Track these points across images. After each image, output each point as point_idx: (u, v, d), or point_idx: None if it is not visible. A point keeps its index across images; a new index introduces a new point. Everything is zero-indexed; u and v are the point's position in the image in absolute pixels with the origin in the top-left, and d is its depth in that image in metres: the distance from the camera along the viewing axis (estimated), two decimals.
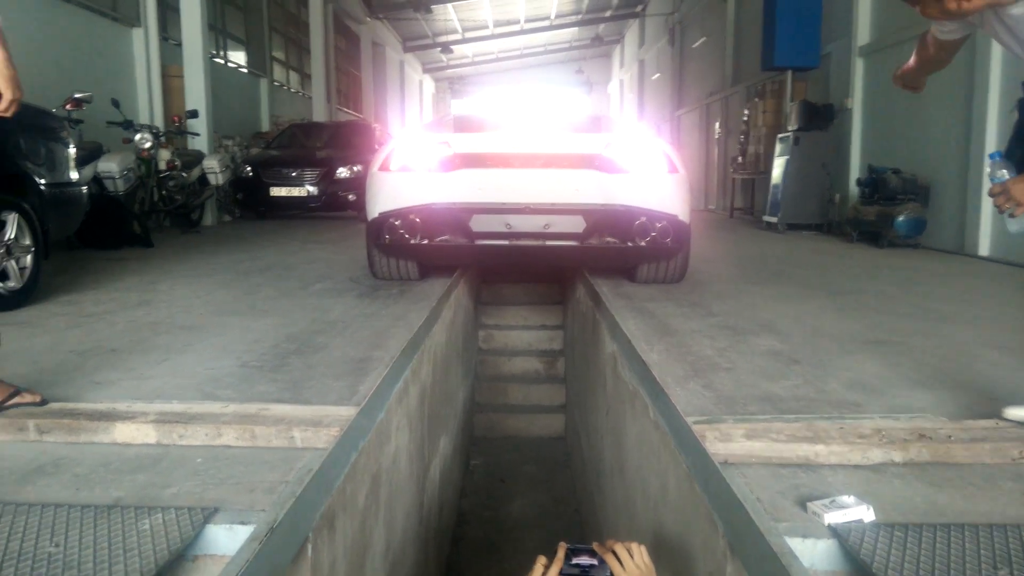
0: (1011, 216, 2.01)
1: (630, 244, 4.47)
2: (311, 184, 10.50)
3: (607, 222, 4.45)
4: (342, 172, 10.65)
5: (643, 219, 4.41)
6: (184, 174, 8.54)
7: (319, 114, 16.52)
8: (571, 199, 4.43)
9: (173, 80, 10.54)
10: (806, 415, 2.22)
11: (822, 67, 10.92)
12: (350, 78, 20.62)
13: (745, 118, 13.18)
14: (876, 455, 1.92)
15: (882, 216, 8.28)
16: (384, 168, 4.67)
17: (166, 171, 8.27)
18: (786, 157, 10.34)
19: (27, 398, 2.15)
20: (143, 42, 10.25)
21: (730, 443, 1.91)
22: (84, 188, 4.77)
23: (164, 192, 8.29)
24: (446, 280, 5.11)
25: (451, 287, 4.80)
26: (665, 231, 4.44)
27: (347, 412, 2.17)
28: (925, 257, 7.44)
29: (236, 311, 4.09)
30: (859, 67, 10.03)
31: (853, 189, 10.08)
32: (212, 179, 9.34)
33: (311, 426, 2.01)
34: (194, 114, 9.16)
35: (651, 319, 3.99)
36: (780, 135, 10.79)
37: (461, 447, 5.59)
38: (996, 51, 7.18)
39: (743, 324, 3.86)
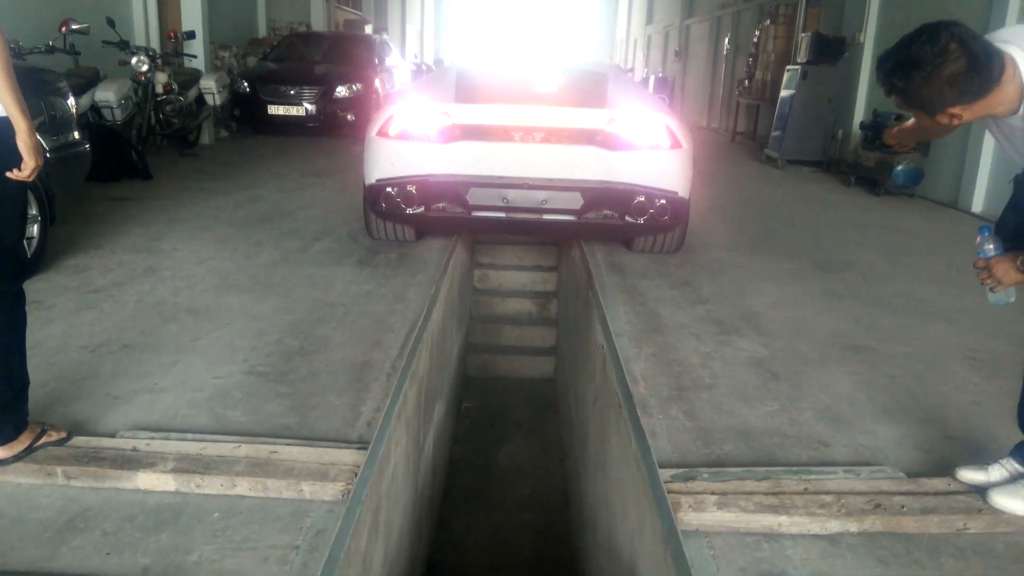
0: (991, 291, 2.12)
1: (628, 220, 4.55)
2: (309, 103, 10.34)
3: (605, 199, 4.52)
4: (341, 91, 10.47)
5: (642, 197, 4.47)
6: (181, 97, 8.42)
7: (317, 16, 16.03)
8: (570, 175, 4.48)
9: None
10: (775, 469, 2.40)
11: None
12: None
13: (756, 40, 12.85)
14: (834, 526, 2.11)
15: (881, 164, 8.29)
16: (382, 134, 4.63)
17: (163, 95, 8.16)
18: (792, 91, 10.20)
19: (53, 436, 2.31)
20: None
21: (702, 513, 2.09)
22: (86, 146, 4.77)
23: (161, 116, 8.21)
24: (443, 244, 5.19)
25: (448, 257, 4.89)
26: (664, 209, 4.51)
27: (352, 458, 2.34)
28: (919, 211, 7.53)
29: (238, 286, 4.20)
30: (875, 0, 9.75)
31: (856, 129, 10.01)
32: (209, 99, 9.21)
33: (318, 480, 2.17)
34: (191, 35, 8.94)
35: (641, 307, 4.14)
36: (789, 66, 10.60)
37: (455, 394, 5.82)
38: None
39: (730, 317, 4.00)
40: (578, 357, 5.00)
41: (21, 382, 2.25)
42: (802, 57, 10.33)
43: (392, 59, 13.18)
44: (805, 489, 2.26)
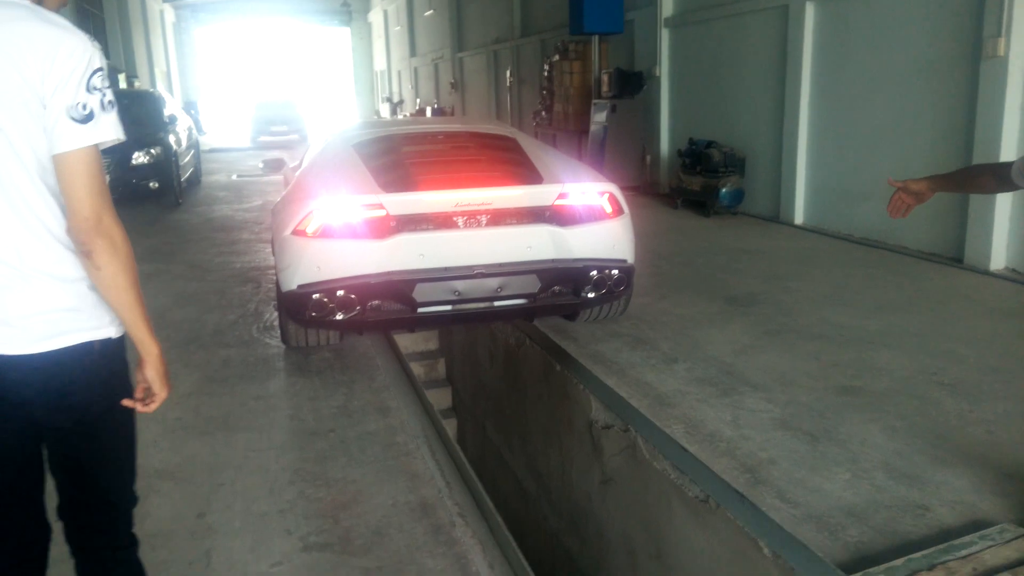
0: None
1: (584, 296, 4.40)
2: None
3: (562, 277, 4.31)
4: (139, 158, 9.37)
5: (599, 272, 4.34)
6: None
7: None
8: (524, 257, 4.21)
9: None
10: (926, 553, 2.45)
11: (626, 33, 11.33)
12: (96, 21, 17.80)
13: (546, 73, 13.39)
14: None
15: (707, 187, 8.99)
16: (299, 232, 4.03)
17: None
18: (603, 123, 10.75)
19: None
20: None
21: None
22: None
23: None
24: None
25: (386, 344, 4.51)
26: (620, 280, 4.42)
27: None
28: (752, 228, 8.24)
29: (186, 427, 3.55)
30: (665, 37, 10.56)
31: (664, 153, 10.80)
32: None
33: None
34: None
35: (622, 375, 4.09)
36: (596, 100, 11.15)
37: None
38: (808, 31, 7.91)
39: (711, 374, 4.08)
40: (527, 424, 4.84)
41: None
42: (607, 91, 10.95)
43: (169, 110, 12.02)
44: (973, 569, 2.33)
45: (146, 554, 2.58)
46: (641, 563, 3.62)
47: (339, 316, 4.02)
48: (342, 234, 4.00)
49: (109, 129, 1.59)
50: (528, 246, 4.22)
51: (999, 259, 6.06)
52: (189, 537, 2.69)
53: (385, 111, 29.87)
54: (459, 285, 4.11)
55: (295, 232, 4.03)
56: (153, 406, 1.73)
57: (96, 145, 1.57)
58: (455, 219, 4.13)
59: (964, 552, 2.43)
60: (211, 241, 8.26)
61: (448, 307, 4.18)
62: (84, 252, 1.58)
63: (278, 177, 7.46)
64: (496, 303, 4.25)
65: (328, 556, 2.57)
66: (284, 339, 4.65)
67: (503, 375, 5.41)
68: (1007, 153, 5.78)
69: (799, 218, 8.32)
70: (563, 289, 4.40)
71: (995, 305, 5.18)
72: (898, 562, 2.41)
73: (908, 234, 6.91)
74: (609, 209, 4.45)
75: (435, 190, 4.11)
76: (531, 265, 4.21)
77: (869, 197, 7.31)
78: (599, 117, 10.93)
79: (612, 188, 4.49)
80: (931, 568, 2.35)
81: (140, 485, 2.55)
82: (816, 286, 5.83)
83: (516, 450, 5.33)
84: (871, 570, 2.38)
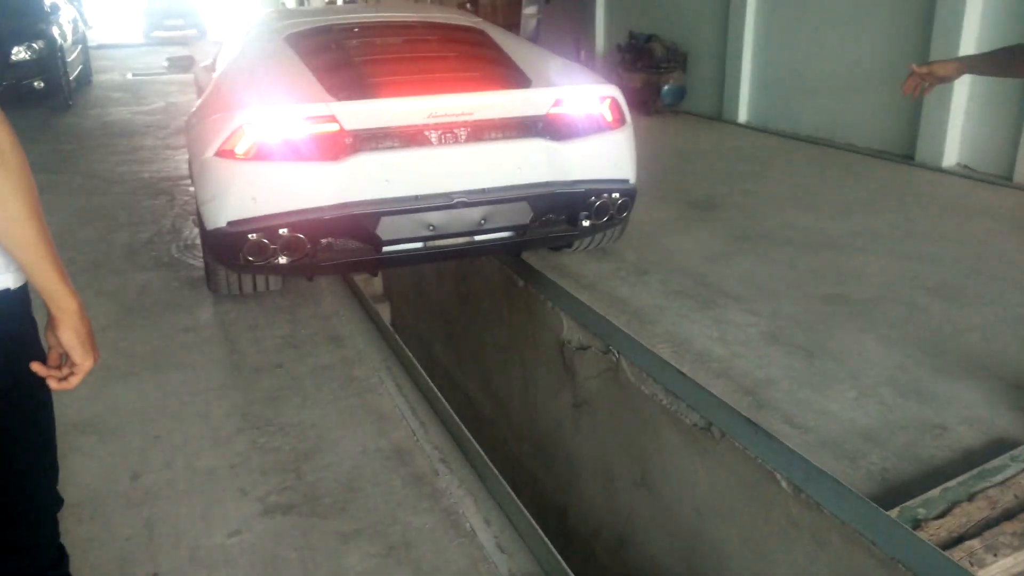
0: None
1: (583, 224, 3.65)
2: None
3: (558, 204, 3.55)
4: (19, 53, 8.27)
5: (602, 195, 3.59)
6: None
7: None
8: (514, 180, 3.42)
9: None
10: (961, 481, 2.26)
11: None
12: None
13: None
14: None
15: (648, 84, 8.59)
16: (224, 153, 3.11)
17: None
18: (536, 15, 10.13)
19: None
20: None
21: (989, 569, 1.89)
22: None
23: None
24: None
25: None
26: (623, 205, 3.70)
27: None
28: (697, 127, 7.96)
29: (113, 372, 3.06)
30: None
31: (599, 49, 10.28)
32: None
33: None
34: None
35: (592, 290, 3.78)
36: None
37: None
38: None
39: (687, 286, 3.82)
40: (482, 344, 4.52)
41: None
42: None
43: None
44: (1015, 496, 2.16)
45: (72, 529, 2.17)
46: (622, 489, 3.40)
47: (282, 260, 3.19)
48: (283, 155, 3.12)
49: None
50: (518, 167, 3.44)
51: (951, 156, 5.94)
52: (124, 505, 2.28)
53: (291, 2, 27.84)
54: (434, 217, 3.29)
55: (220, 153, 3.12)
56: (75, 380, 1.29)
57: None
58: (427, 134, 3.30)
59: (999, 477, 2.26)
60: (111, 148, 7.42)
61: (419, 244, 3.38)
62: None
63: (184, 77, 6.44)
64: (477, 237, 3.48)
65: (294, 520, 2.21)
66: (211, 286, 3.88)
67: (454, 291, 5.03)
68: (968, 44, 5.58)
69: (743, 116, 8.05)
70: (556, 217, 3.66)
71: (956, 202, 5.06)
72: (934, 493, 2.22)
73: (857, 131, 6.73)
74: (610, 118, 3.71)
75: (401, 96, 3.26)
76: (522, 190, 3.44)
77: (816, 92, 7.07)
78: (530, 10, 10.30)
79: (614, 92, 3.73)
80: (971, 498, 2.17)
81: (58, 442, 2.11)
82: (773, 187, 5.61)
83: (469, 372, 5.01)
84: (908, 504, 2.18)
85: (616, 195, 3.64)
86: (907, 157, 6.20)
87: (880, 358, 3.08)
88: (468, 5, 12.88)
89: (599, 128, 3.65)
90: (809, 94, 7.18)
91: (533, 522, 2.30)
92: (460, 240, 3.44)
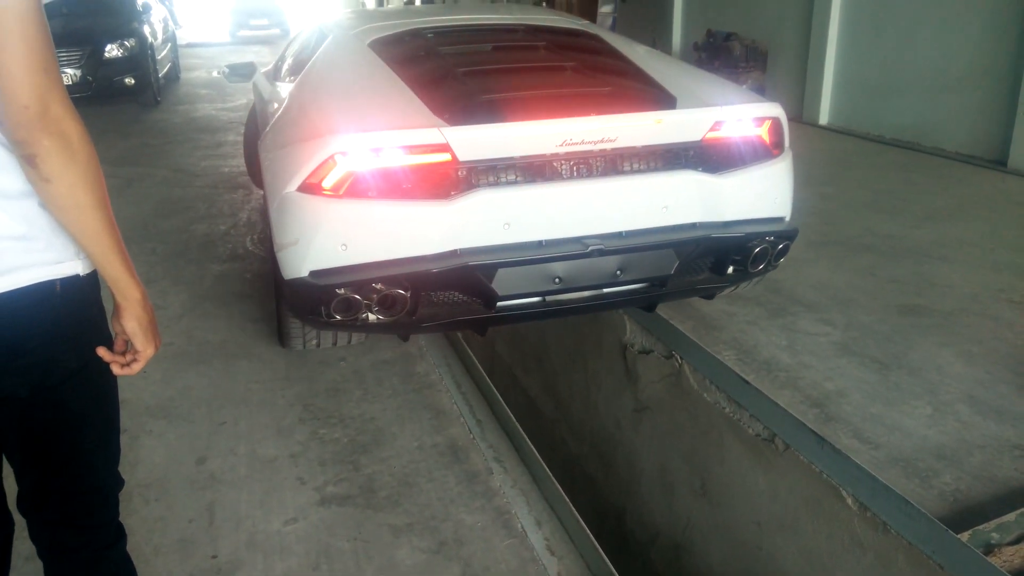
0: None
1: (735, 271, 3.03)
2: (73, 68, 8.44)
3: (709, 251, 2.95)
4: (112, 50, 8.66)
5: (763, 240, 2.95)
6: None
7: None
8: (658, 220, 2.82)
9: None
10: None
11: None
12: None
13: None
14: None
15: None
16: (312, 188, 2.52)
17: None
18: (612, 13, 10.04)
19: None
20: None
21: None
22: None
23: None
24: None
25: None
26: (783, 250, 3.05)
27: None
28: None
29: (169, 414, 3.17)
30: None
31: (676, 46, 10.11)
32: None
33: None
34: None
35: None
36: None
37: None
38: None
39: (756, 292, 3.71)
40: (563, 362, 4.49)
41: None
42: None
43: None
44: None
45: (139, 508, 2.25)
46: (681, 497, 3.34)
47: (374, 317, 2.61)
48: (382, 192, 2.53)
49: None
50: (664, 205, 2.82)
51: None
52: (188, 488, 2.35)
53: (371, 1, 28.35)
54: (561, 268, 2.70)
55: (304, 188, 2.52)
56: (137, 366, 1.32)
57: None
58: (557, 165, 2.71)
59: None
60: (195, 143, 7.69)
61: (538, 299, 2.82)
62: (26, 157, 1.12)
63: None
64: (607, 290, 2.90)
65: (350, 511, 2.24)
66: (283, 341, 3.29)
67: None
68: None
69: (824, 117, 7.80)
70: (700, 264, 3.06)
71: None
72: (1009, 517, 2.10)
73: (946, 134, 6.44)
74: (776, 142, 3.09)
75: (529, 120, 2.63)
76: (668, 234, 2.84)
77: (904, 93, 6.79)
78: (607, 7, 10.21)
79: (778, 111, 3.09)
80: None
81: (128, 424, 2.18)
82: (854, 192, 5.40)
83: (532, 371, 5.00)
84: (981, 527, 2.07)
85: (775, 239, 2.98)
86: (999, 162, 5.90)
87: (959, 373, 2.93)
88: (544, 3, 12.89)
89: (758, 156, 3.01)
90: (896, 95, 6.90)
91: (584, 526, 2.27)
92: (587, 293, 2.88)
